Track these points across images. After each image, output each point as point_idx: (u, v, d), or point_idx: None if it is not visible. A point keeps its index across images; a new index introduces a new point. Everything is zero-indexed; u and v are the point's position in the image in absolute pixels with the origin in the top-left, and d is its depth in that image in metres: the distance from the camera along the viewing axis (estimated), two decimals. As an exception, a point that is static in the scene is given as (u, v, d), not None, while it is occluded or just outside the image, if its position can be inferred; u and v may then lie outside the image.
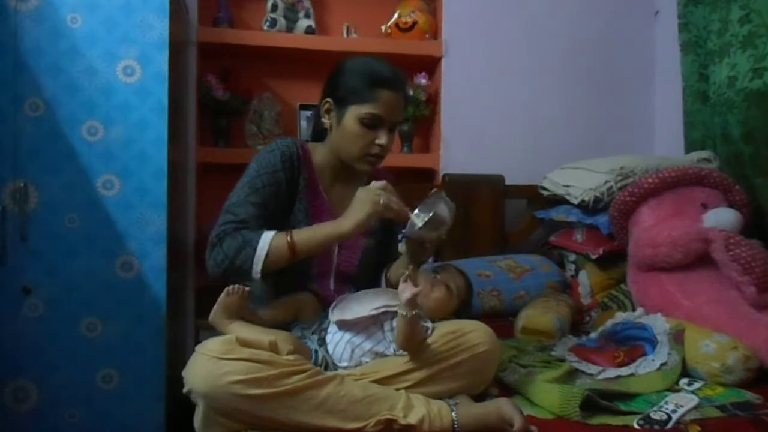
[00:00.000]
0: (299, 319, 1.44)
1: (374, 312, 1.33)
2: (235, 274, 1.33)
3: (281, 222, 1.43)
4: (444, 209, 1.38)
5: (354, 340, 1.33)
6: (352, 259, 1.55)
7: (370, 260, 1.58)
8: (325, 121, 1.51)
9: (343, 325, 1.35)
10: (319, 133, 1.58)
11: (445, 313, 1.43)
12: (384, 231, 1.61)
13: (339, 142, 1.49)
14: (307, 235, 1.36)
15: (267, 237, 1.33)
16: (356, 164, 1.49)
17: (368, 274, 1.60)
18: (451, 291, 1.44)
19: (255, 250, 1.31)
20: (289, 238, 1.33)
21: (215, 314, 1.32)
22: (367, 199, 1.33)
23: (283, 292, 1.46)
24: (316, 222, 1.45)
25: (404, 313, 1.24)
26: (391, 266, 1.58)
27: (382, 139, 1.45)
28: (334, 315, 1.37)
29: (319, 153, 1.55)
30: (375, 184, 1.37)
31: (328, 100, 1.50)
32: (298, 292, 1.47)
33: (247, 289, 1.33)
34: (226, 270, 1.32)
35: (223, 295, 1.32)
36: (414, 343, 1.28)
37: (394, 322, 1.31)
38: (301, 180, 1.49)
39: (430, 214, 1.35)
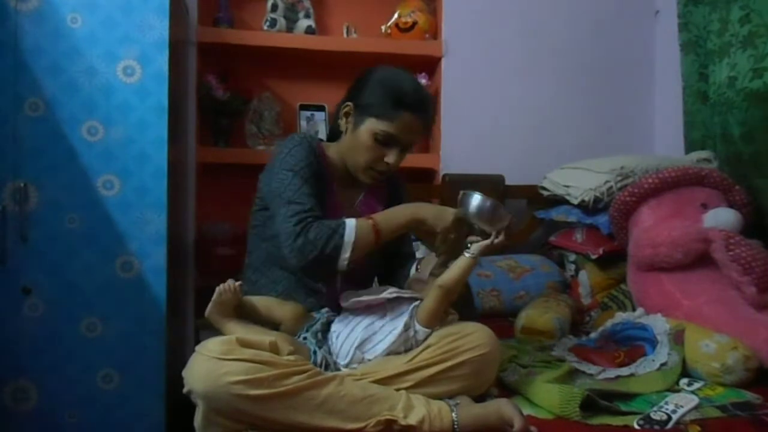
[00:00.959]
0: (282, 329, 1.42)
1: (387, 296, 1.34)
2: (322, 263, 1.33)
3: None
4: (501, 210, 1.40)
5: (363, 334, 1.33)
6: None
7: (379, 258, 1.58)
8: (342, 123, 1.50)
9: (358, 306, 1.36)
10: (335, 135, 1.58)
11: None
12: None
13: (349, 149, 1.48)
14: (386, 217, 1.38)
15: (351, 224, 1.34)
16: (359, 174, 1.49)
17: (375, 272, 1.60)
18: None
19: (343, 237, 1.32)
20: (372, 223, 1.35)
21: (210, 313, 1.33)
22: (454, 224, 1.37)
23: (291, 288, 1.46)
24: (330, 216, 1.43)
25: (469, 254, 1.30)
26: (419, 261, 1.57)
27: (390, 158, 1.45)
28: (347, 300, 1.38)
29: (333, 152, 1.55)
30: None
31: (349, 104, 1.48)
32: (304, 290, 1.46)
33: (239, 284, 1.34)
34: (314, 259, 1.31)
35: (215, 295, 1.33)
36: (457, 285, 1.32)
37: (403, 308, 1.33)
38: (320, 174, 1.49)
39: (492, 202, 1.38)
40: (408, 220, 1.39)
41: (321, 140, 1.59)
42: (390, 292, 1.36)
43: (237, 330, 1.29)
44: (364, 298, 1.36)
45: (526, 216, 2.52)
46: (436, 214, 1.39)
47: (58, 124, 1.79)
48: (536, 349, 1.67)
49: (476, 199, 1.36)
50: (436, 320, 1.32)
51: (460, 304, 1.47)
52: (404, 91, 1.42)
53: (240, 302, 1.36)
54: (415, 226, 1.41)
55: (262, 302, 1.42)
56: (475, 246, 1.34)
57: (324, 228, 1.32)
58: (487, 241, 1.34)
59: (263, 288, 1.50)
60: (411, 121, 1.42)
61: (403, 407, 1.20)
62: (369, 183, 1.52)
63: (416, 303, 1.36)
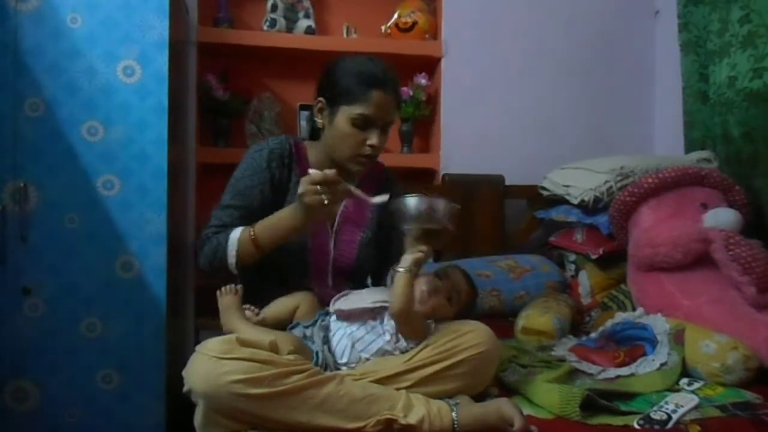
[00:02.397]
0: (296, 318, 1.43)
1: (371, 305, 1.34)
2: (220, 272, 1.44)
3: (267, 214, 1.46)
4: (438, 203, 1.35)
5: (355, 334, 1.33)
6: (349, 253, 1.55)
7: (368, 253, 1.59)
8: (318, 120, 1.53)
9: (341, 315, 1.36)
10: (316, 132, 1.59)
11: (445, 318, 1.41)
12: (379, 222, 1.60)
13: (331, 141, 1.50)
14: (269, 231, 1.40)
15: (234, 236, 1.41)
16: (348, 164, 1.50)
17: (367, 269, 1.61)
18: (451, 301, 1.42)
19: (225, 250, 1.41)
20: (252, 234, 1.40)
21: (222, 317, 1.35)
22: (313, 204, 1.30)
23: (282, 289, 1.46)
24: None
25: (402, 269, 1.27)
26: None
27: (373, 139, 1.46)
28: (334, 306, 1.38)
29: (315, 152, 1.57)
30: (307, 179, 1.30)
31: (321, 99, 1.52)
32: (295, 291, 1.47)
33: (238, 286, 1.37)
34: (210, 268, 1.45)
35: (219, 302, 1.36)
36: (406, 303, 1.28)
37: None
38: (292, 176, 1.51)
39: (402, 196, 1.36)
40: (289, 231, 1.39)
41: (303, 140, 1.61)
42: (374, 302, 1.35)
43: (246, 330, 1.30)
44: (346, 308, 1.36)
45: (526, 216, 2.52)
46: (306, 225, 1.37)
47: (58, 124, 1.79)
48: (536, 349, 1.67)
49: (411, 207, 1.34)
50: (414, 336, 1.31)
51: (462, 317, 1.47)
52: (369, 71, 1.46)
53: (262, 321, 1.39)
54: (297, 233, 1.41)
55: (275, 309, 1.44)
56: (404, 259, 1.32)
57: (213, 242, 1.44)
58: (416, 254, 1.31)
59: (258, 289, 1.50)
60: (382, 98, 1.44)
61: (402, 406, 1.20)
62: (360, 171, 1.52)
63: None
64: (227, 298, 1.35)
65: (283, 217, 1.40)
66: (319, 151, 1.55)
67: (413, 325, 1.31)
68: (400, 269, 1.29)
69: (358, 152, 1.47)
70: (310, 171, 1.31)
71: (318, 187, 1.29)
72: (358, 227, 1.56)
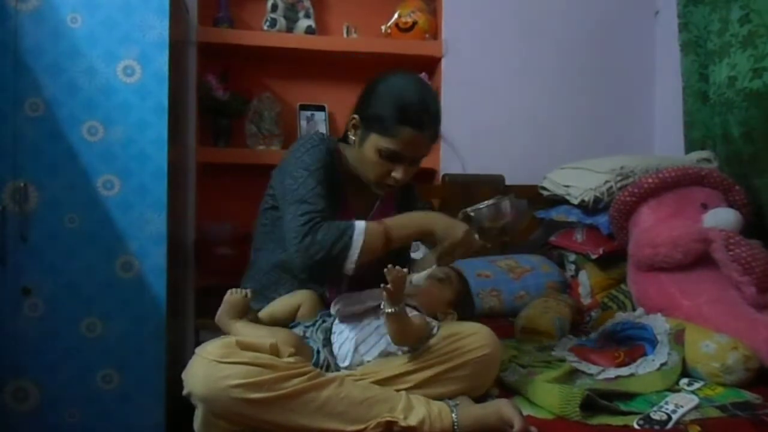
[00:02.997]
0: (298, 317, 1.43)
1: (373, 304, 1.34)
2: (328, 266, 1.31)
3: None
4: (507, 206, 1.41)
5: (358, 336, 1.33)
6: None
7: (384, 260, 1.57)
8: (350, 135, 1.48)
9: (342, 314, 1.35)
10: (346, 139, 1.55)
11: (444, 305, 1.42)
12: None
13: (358, 161, 1.47)
14: (398, 223, 1.36)
15: (361, 226, 1.32)
16: (371, 186, 1.48)
17: (380, 276, 1.58)
18: (442, 280, 1.43)
19: (351, 239, 1.30)
20: (383, 228, 1.33)
21: (221, 315, 1.34)
22: (464, 239, 1.35)
23: (293, 290, 1.46)
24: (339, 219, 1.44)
25: (388, 310, 1.24)
26: (415, 264, 1.57)
27: (398, 173, 1.42)
28: (335, 307, 1.37)
29: (345, 156, 1.53)
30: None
31: (355, 117, 1.46)
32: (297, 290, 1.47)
33: (250, 293, 1.35)
34: (320, 260, 1.30)
35: (227, 295, 1.33)
36: (407, 338, 1.28)
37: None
38: (333, 177, 1.47)
39: (492, 201, 1.38)
40: (418, 230, 1.38)
41: (339, 141, 1.56)
42: (376, 301, 1.34)
43: (245, 330, 1.29)
44: (349, 308, 1.35)
45: (526, 216, 2.52)
46: (447, 227, 1.37)
47: (58, 124, 1.79)
48: (536, 349, 1.67)
49: (484, 212, 1.39)
50: (407, 340, 1.30)
51: (461, 305, 1.47)
52: (406, 106, 1.37)
53: (258, 319, 1.37)
54: (424, 236, 1.40)
55: (276, 308, 1.44)
56: (416, 277, 1.34)
57: (333, 229, 1.30)
58: (426, 272, 1.34)
59: (266, 289, 1.49)
60: (414, 137, 1.38)
61: (403, 408, 1.20)
62: (381, 195, 1.51)
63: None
64: (236, 298, 1.33)
65: (417, 215, 1.39)
66: (347, 159, 1.52)
67: (413, 341, 1.30)
68: (388, 310, 1.24)
69: (382, 180, 1.44)
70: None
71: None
72: None
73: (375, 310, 1.35)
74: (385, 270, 1.21)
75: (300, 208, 1.34)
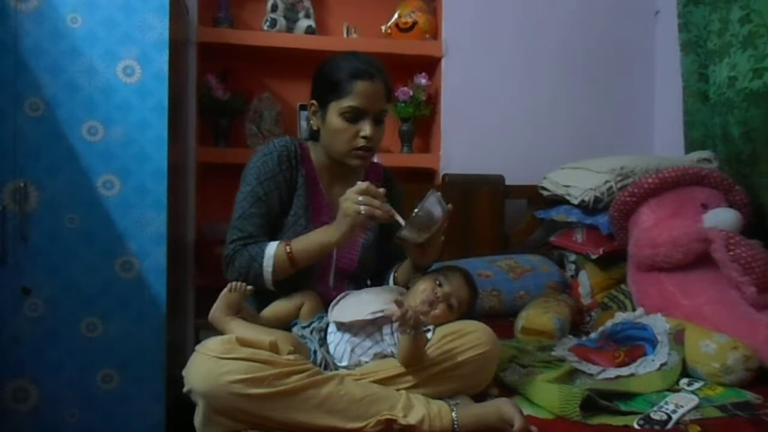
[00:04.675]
0: (299, 318, 1.43)
1: (371, 317, 1.33)
2: (253, 284, 1.39)
3: (282, 218, 1.48)
4: (434, 207, 1.35)
5: (353, 339, 1.33)
6: (351, 255, 1.55)
7: (370, 256, 1.58)
8: (313, 123, 1.53)
9: (340, 327, 1.35)
10: (314, 134, 1.59)
11: (444, 323, 1.39)
12: (381, 225, 1.60)
13: (327, 140, 1.50)
14: (303, 245, 1.40)
15: (270, 251, 1.39)
16: (346, 160, 1.49)
17: (369, 270, 1.60)
18: (452, 308, 1.39)
19: (261, 266, 1.39)
20: (288, 250, 1.39)
21: (216, 311, 1.33)
22: (349, 211, 1.33)
23: (284, 291, 1.46)
24: (316, 218, 1.49)
25: (406, 332, 1.22)
26: (399, 267, 1.57)
27: (366, 130, 1.45)
28: (332, 315, 1.37)
29: (316, 153, 1.56)
30: (354, 189, 1.34)
31: (313, 102, 1.52)
32: (300, 290, 1.47)
33: (248, 287, 1.34)
34: (245, 282, 1.38)
35: (225, 290, 1.33)
36: (414, 359, 1.26)
37: (394, 326, 1.31)
38: (299, 177, 1.51)
39: (415, 210, 1.33)
40: (321, 247, 1.39)
41: (305, 141, 1.60)
42: (374, 313, 1.33)
43: (240, 329, 1.29)
44: (347, 320, 1.34)
45: (526, 216, 2.52)
46: (343, 239, 1.36)
47: (58, 124, 1.79)
48: (536, 349, 1.67)
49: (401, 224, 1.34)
50: (414, 360, 1.28)
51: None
52: (351, 63, 1.45)
53: (245, 310, 1.37)
54: (331, 248, 1.42)
55: (278, 307, 1.44)
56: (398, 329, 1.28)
57: (245, 256, 1.40)
58: (414, 315, 1.25)
59: (259, 290, 1.50)
60: (368, 87, 1.44)
61: (402, 406, 1.20)
62: (360, 165, 1.50)
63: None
64: (232, 295, 1.33)
65: (318, 233, 1.40)
66: (320, 153, 1.55)
67: (417, 364, 1.29)
68: (405, 333, 1.23)
69: (354, 146, 1.46)
70: (359, 183, 1.34)
71: (359, 197, 1.31)
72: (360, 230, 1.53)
73: (372, 323, 1.34)
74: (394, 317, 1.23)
75: (230, 233, 1.45)
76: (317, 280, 1.51)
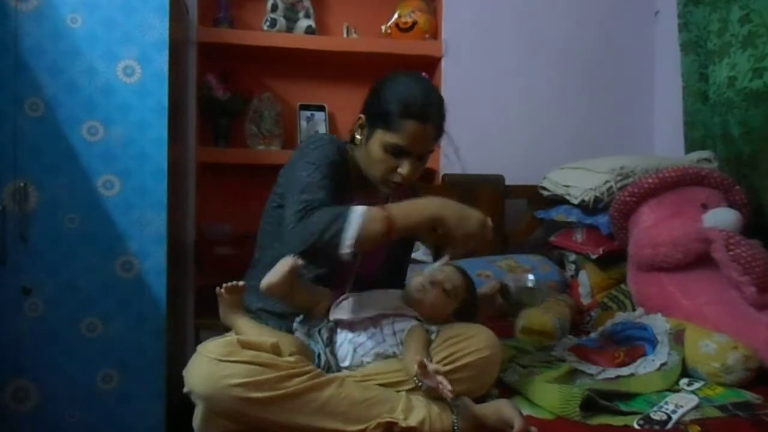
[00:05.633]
0: (312, 312, 1.41)
1: (371, 314, 1.33)
2: (322, 249, 1.24)
3: None
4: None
5: (356, 340, 1.33)
6: (371, 266, 1.51)
7: (389, 268, 1.57)
8: (357, 135, 1.46)
9: (339, 324, 1.35)
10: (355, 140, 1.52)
11: (445, 315, 1.41)
12: (406, 241, 1.58)
13: (364, 160, 1.44)
14: (404, 209, 1.29)
15: (359, 210, 1.24)
16: (377, 185, 1.45)
17: (386, 282, 1.55)
18: (447, 293, 1.39)
19: (346, 222, 1.22)
20: (385, 213, 1.25)
21: (222, 312, 1.34)
22: (478, 231, 1.31)
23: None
24: None
25: (418, 383, 1.21)
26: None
27: (404, 168, 1.38)
28: (333, 313, 1.37)
29: (353, 157, 1.50)
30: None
31: (361, 116, 1.45)
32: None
33: (242, 283, 1.34)
34: (313, 245, 1.24)
35: (220, 293, 1.33)
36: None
37: (395, 326, 1.31)
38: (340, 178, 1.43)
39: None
40: (428, 217, 1.29)
41: (348, 143, 1.53)
42: (373, 310, 1.34)
43: (246, 329, 1.30)
44: (346, 317, 1.35)
45: (526, 216, 2.52)
46: (460, 216, 1.30)
47: (58, 124, 1.79)
48: (536, 349, 1.67)
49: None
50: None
51: (464, 315, 1.46)
52: (410, 100, 1.36)
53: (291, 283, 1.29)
54: (433, 225, 1.31)
55: (317, 292, 1.41)
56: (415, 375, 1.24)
57: (327, 212, 1.25)
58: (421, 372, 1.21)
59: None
60: (418, 130, 1.36)
61: (403, 409, 1.20)
62: (388, 194, 1.47)
63: (402, 326, 1.34)
64: (229, 298, 1.33)
65: (423, 203, 1.32)
66: (358, 163, 1.48)
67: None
68: (416, 382, 1.21)
69: (389, 178, 1.41)
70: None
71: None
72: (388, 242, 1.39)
73: (372, 320, 1.34)
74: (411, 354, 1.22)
75: (299, 197, 1.30)
76: (334, 286, 1.46)
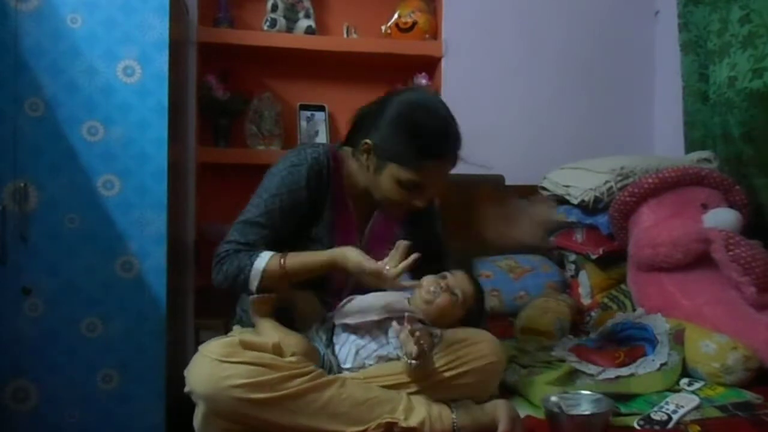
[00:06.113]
0: (298, 315, 1.42)
1: (377, 318, 1.33)
2: (237, 290, 1.36)
3: (301, 233, 1.39)
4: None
5: (359, 342, 1.33)
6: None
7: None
8: (362, 159, 1.37)
9: (346, 328, 1.35)
10: (354, 141, 1.44)
11: (451, 321, 1.37)
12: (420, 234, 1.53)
13: (373, 187, 1.38)
14: (301, 262, 1.31)
15: (260, 265, 1.30)
16: (386, 210, 1.41)
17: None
18: (456, 298, 1.36)
19: (249, 277, 1.30)
20: (282, 264, 1.30)
21: (252, 316, 1.35)
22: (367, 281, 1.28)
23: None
24: (341, 235, 1.40)
25: (409, 362, 1.22)
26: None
27: (419, 202, 1.35)
28: (338, 317, 1.36)
29: (353, 165, 1.43)
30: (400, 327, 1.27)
31: (368, 142, 1.34)
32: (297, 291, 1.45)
33: (273, 296, 1.33)
34: (228, 288, 1.34)
35: (251, 309, 1.34)
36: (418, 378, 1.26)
37: (398, 351, 1.30)
38: (328, 193, 1.41)
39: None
40: (321, 268, 1.32)
41: (340, 148, 1.47)
42: (379, 315, 1.33)
43: (265, 330, 1.30)
44: (352, 322, 1.34)
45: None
46: (355, 267, 1.27)
47: (58, 124, 1.79)
48: (536, 349, 1.67)
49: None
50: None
51: (472, 314, 1.43)
52: (427, 138, 1.29)
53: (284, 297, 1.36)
54: (331, 269, 1.33)
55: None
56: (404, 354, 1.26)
57: (234, 264, 1.31)
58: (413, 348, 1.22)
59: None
60: (437, 167, 1.31)
61: (403, 409, 1.20)
62: (397, 219, 1.44)
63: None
64: (259, 306, 1.34)
65: (318, 261, 1.32)
66: (358, 172, 1.42)
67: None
68: (410, 362, 1.22)
69: (401, 207, 1.37)
70: (386, 270, 1.22)
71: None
72: (386, 247, 1.35)
73: (378, 323, 1.34)
74: (403, 331, 1.22)
75: (231, 233, 1.35)
76: (332, 293, 1.45)
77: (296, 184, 1.36)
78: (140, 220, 1.84)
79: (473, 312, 1.41)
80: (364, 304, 1.37)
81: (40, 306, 1.79)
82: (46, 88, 1.78)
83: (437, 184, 1.35)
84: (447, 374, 1.26)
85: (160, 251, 1.86)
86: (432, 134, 1.30)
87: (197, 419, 1.17)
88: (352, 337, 1.33)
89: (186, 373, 1.17)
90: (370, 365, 1.31)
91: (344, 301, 1.40)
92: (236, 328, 1.45)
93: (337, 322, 1.36)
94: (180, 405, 1.38)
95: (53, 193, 1.80)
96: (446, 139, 1.33)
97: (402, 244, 1.25)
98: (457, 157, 1.36)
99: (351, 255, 1.28)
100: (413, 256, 1.23)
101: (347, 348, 1.32)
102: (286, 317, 1.38)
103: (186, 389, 1.16)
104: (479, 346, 1.29)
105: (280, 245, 1.35)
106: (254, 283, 1.30)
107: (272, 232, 1.35)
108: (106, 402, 1.83)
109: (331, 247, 1.34)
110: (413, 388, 1.25)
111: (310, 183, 1.37)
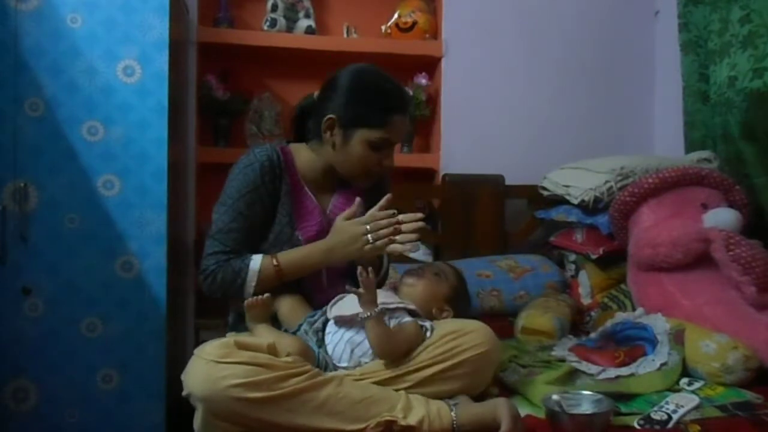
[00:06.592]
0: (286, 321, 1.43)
1: (362, 315, 1.33)
2: (231, 297, 1.44)
3: (265, 229, 1.47)
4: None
5: (354, 339, 1.33)
6: None
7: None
8: (326, 137, 1.47)
9: (340, 322, 1.35)
10: (302, 135, 1.59)
11: (440, 300, 1.44)
12: None
13: (341, 160, 1.48)
14: (295, 261, 1.42)
15: (255, 266, 1.40)
16: (356, 181, 1.51)
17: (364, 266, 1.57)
18: (438, 275, 1.47)
19: (245, 281, 1.40)
20: (276, 264, 1.40)
21: (248, 320, 1.37)
22: (353, 241, 1.38)
23: (279, 291, 1.46)
24: (303, 224, 1.48)
25: (365, 315, 1.25)
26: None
27: (389, 159, 1.48)
28: (332, 312, 1.37)
29: (305, 156, 1.54)
30: (364, 219, 1.39)
31: (331, 117, 1.45)
32: (289, 291, 1.46)
33: (268, 296, 1.37)
34: (222, 297, 1.43)
35: (247, 304, 1.36)
36: (391, 348, 1.27)
37: (392, 323, 1.31)
38: (283, 186, 1.48)
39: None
40: (313, 266, 1.44)
41: (287, 144, 1.57)
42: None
43: (259, 332, 1.33)
44: (348, 313, 1.34)
45: (526, 216, 2.52)
46: (347, 255, 1.41)
47: (58, 124, 1.79)
48: (536, 349, 1.67)
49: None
50: (389, 349, 1.28)
51: (458, 302, 1.49)
52: (389, 95, 1.45)
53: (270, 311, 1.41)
54: (325, 266, 1.46)
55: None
56: (361, 302, 1.29)
57: (228, 272, 1.40)
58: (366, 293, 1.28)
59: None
60: (400, 120, 1.46)
61: (402, 407, 1.20)
62: (367, 186, 1.53)
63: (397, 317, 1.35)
64: (254, 311, 1.36)
65: (311, 255, 1.43)
66: (312, 157, 1.53)
67: (401, 353, 1.29)
68: (364, 316, 1.26)
69: (370, 172, 1.49)
70: (370, 212, 1.40)
71: (367, 227, 1.37)
72: None
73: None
74: (358, 273, 1.27)
75: (210, 245, 1.44)
76: (311, 280, 1.49)
77: (253, 183, 1.45)
78: (140, 220, 1.85)
79: (460, 290, 1.51)
80: (356, 301, 1.37)
81: (40, 306, 1.80)
82: (46, 88, 1.79)
83: (402, 136, 1.52)
84: (442, 366, 1.26)
85: (160, 251, 1.86)
86: (390, 91, 1.47)
87: (197, 422, 1.17)
88: (347, 334, 1.33)
89: (183, 376, 1.17)
90: (366, 363, 1.31)
91: (336, 298, 1.41)
92: (230, 335, 1.46)
93: (331, 317, 1.36)
94: (180, 405, 1.38)
95: (53, 193, 1.80)
96: (401, 92, 1.50)
97: (359, 201, 1.44)
98: (412, 112, 1.52)
99: (334, 257, 1.42)
100: (359, 200, 1.44)
101: (342, 347, 1.32)
102: (277, 322, 1.42)
103: (184, 392, 1.16)
104: (472, 336, 1.30)
105: (255, 245, 1.45)
106: (251, 284, 1.40)
107: (248, 233, 1.45)
108: (106, 402, 1.83)
109: (293, 235, 1.46)
110: (409, 383, 1.26)
111: (264, 179, 1.45)
